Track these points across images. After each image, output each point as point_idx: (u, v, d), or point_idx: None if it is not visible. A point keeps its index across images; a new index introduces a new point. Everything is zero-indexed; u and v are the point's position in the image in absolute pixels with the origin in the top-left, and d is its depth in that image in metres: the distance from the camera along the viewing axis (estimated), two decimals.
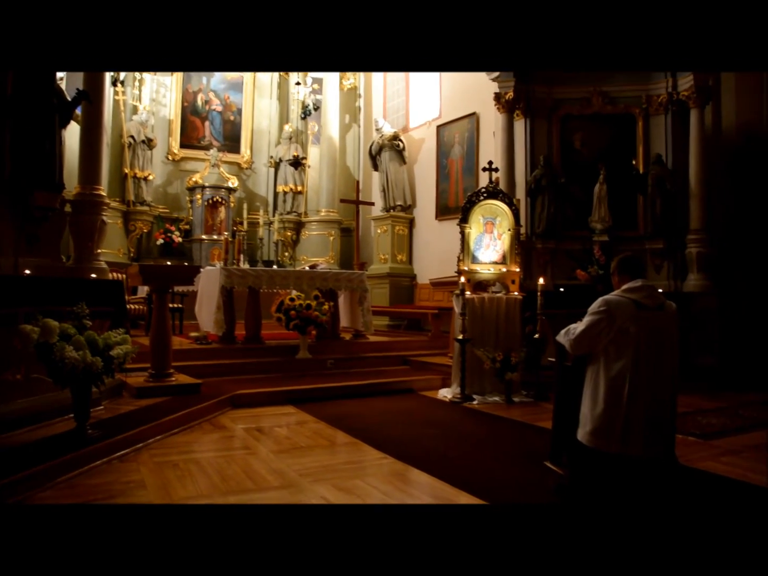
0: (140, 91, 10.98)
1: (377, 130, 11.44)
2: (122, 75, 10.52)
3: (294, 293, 7.12)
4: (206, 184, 11.10)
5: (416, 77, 11.64)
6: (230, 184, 11.33)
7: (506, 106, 7.74)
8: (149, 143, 10.74)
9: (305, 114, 12.18)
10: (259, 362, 6.67)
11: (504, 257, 6.55)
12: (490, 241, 6.54)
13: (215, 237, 10.92)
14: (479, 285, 6.51)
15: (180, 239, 10.96)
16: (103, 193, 6.58)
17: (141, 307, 8.05)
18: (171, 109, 11.43)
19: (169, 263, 8.35)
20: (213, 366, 6.34)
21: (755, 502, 3.17)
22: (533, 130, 7.91)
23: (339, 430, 4.60)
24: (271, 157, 12.14)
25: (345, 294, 7.92)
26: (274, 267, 9.01)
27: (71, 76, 7.83)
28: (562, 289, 6.75)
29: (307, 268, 8.16)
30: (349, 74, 12.36)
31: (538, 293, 5.85)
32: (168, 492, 3.15)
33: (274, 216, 11.83)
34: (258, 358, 6.76)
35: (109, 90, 9.33)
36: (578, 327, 2.98)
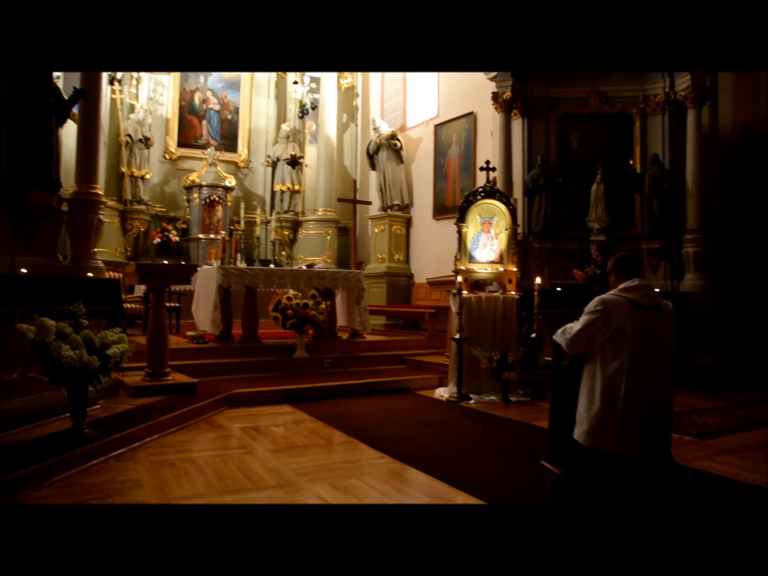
0: (137, 89, 10.93)
1: (375, 129, 11.43)
2: (119, 74, 10.48)
3: (291, 292, 7.12)
4: (203, 183, 11.07)
5: (414, 76, 11.62)
6: (227, 183, 11.29)
7: (504, 105, 7.75)
8: (146, 142, 10.71)
9: (303, 113, 12.16)
10: (256, 361, 6.67)
11: (501, 257, 6.55)
12: (487, 241, 6.54)
13: (212, 236, 10.88)
14: (476, 284, 6.52)
15: (177, 238, 10.93)
16: (100, 192, 6.57)
17: (138, 306, 8.04)
18: (168, 107, 11.39)
19: (166, 262, 8.32)
20: (210, 365, 6.34)
21: (751, 501, 3.19)
22: (531, 130, 7.92)
23: (336, 430, 4.59)
24: (269, 156, 12.11)
25: (342, 293, 7.91)
26: (272, 266, 9.01)
27: (68, 74, 7.80)
28: (559, 289, 6.75)
29: (304, 267, 8.17)
30: (346, 73, 12.33)
31: (535, 293, 5.85)
32: (165, 491, 3.15)
33: (271, 215, 11.82)
34: (255, 357, 6.76)
35: (106, 88, 9.29)
36: (575, 326, 2.98)
